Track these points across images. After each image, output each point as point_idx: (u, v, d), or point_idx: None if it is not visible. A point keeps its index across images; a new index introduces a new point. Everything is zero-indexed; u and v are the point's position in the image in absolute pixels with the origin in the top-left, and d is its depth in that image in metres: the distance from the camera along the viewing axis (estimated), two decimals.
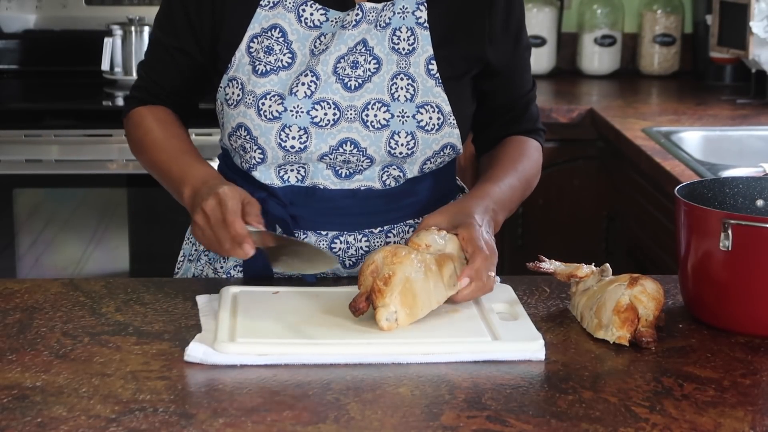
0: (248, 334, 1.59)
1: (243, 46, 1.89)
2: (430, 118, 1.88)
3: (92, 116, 3.49)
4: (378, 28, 1.88)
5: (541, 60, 4.12)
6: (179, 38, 1.94)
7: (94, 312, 1.73)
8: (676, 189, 1.77)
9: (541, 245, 3.45)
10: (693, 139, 3.20)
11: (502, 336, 1.61)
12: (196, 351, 1.55)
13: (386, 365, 1.54)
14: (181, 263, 2.07)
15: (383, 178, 1.91)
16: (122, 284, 1.85)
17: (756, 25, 3.52)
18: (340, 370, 1.53)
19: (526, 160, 1.97)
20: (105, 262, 3.57)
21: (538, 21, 4.11)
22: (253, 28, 1.89)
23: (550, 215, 3.60)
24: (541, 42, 4.11)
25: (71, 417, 1.38)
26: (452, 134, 1.90)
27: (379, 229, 1.93)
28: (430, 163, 1.92)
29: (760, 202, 1.84)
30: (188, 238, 2.08)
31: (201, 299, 1.75)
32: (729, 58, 3.92)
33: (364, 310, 1.63)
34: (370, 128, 1.87)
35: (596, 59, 4.17)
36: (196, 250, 2.04)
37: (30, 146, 3.39)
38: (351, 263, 1.94)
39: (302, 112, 1.86)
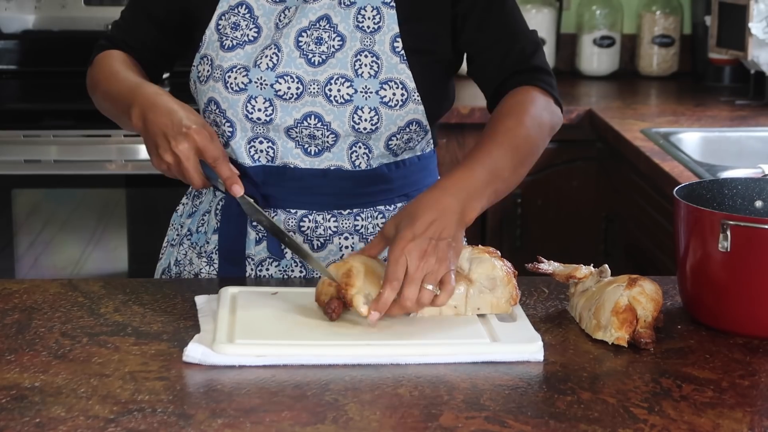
0: (247, 335, 1.59)
1: (212, 24, 1.94)
2: (394, 94, 1.89)
3: (91, 117, 3.44)
4: (342, 5, 1.91)
5: None
6: (156, 4, 1.99)
7: (93, 312, 1.73)
8: (675, 190, 1.77)
9: (540, 246, 3.46)
10: (692, 140, 3.20)
11: (501, 337, 1.61)
12: (194, 351, 1.55)
13: (385, 366, 1.54)
14: (164, 249, 2.10)
15: (352, 158, 1.93)
16: (121, 284, 1.85)
17: (755, 26, 3.52)
18: (338, 370, 1.53)
19: (510, 122, 1.82)
20: (104, 262, 3.57)
21: (537, 22, 4.11)
22: (222, 7, 1.94)
23: (549, 216, 3.60)
24: None
25: (70, 417, 1.38)
26: (417, 110, 1.91)
27: (348, 211, 1.95)
28: (396, 139, 1.92)
29: (758, 203, 1.84)
30: (172, 224, 2.11)
31: (200, 299, 1.75)
32: (728, 59, 3.92)
33: (338, 310, 1.65)
34: (334, 103, 1.89)
35: (595, 60, 4.17)
36: (178, 235, 2.06)
37: (29, 146, 3.38)
38: (319, 244, 1.95)
39: (266, 84, 1.89)
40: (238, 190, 1.78)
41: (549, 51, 4.14)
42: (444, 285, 1.64)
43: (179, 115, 1.78)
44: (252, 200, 1.82)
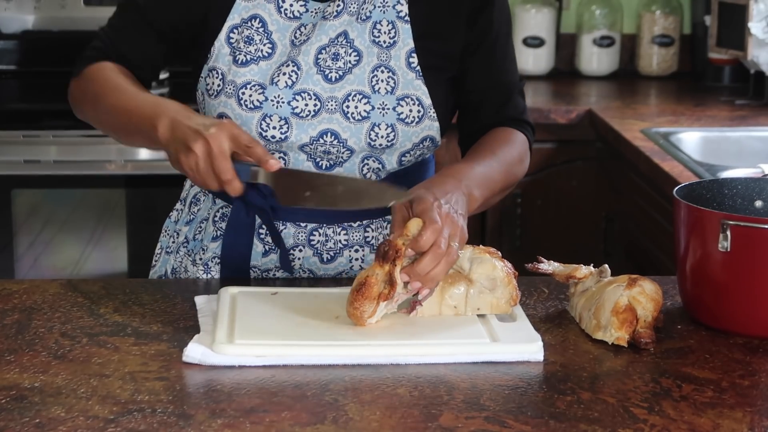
0: (247, 336, 1.59)
1: (222, 36, 1.89)
2: (410, 110, 1.88)
3: None
4: (359, 20, 1.89)
5: (539, 61, 4.12)
6: (160, 17, 1.92)
7: (93, 313, 1.73)
8: (675, 190, 1.77)
9: (540, 246, 3.45)
10: (692, 140, 3.20)
11: (501, 338, 1.61)
12: (194, 352, 1.55)
13: (384, 366, 1.54)
14: (158, 255, 2.08)
15: (363, 171, 1.92)
16: (120, 285, 1.85)
17: (754, 26, 3.52)
18: (338, 370, 1.53)
19: (506, 147, 1.92)
20: (103, 262, 3.57)
21: (536, 22, 4.11)
22: (233, 19, 1.90)
23: (549, 216, 3.60)
24: (539, 43, 4.11)
25: (69, 418, 1.38)
26: (432, 127, 1.91)
27: (357, 223, 1.94)
28: (409, 155, 1.92)
29: (758, 203, 1.84)
30: (165, 230, 2.08)
31: (199, 300, 1.75)
32: (727, 59, 3.92)
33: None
34: (351, 120, 1.88)
35: (595, 60, 4.17)
36: (174, 242, 2.04)
37: (28, 147, 3.38)
38: (329, 257, 1.94)
39: (283, 102, 1.87)
40: (275, 164, 1.66)
41: (549, 51, 4.14)
42: (448, 255, 1.64)
43: (211, 118, 1.72)
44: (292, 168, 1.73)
